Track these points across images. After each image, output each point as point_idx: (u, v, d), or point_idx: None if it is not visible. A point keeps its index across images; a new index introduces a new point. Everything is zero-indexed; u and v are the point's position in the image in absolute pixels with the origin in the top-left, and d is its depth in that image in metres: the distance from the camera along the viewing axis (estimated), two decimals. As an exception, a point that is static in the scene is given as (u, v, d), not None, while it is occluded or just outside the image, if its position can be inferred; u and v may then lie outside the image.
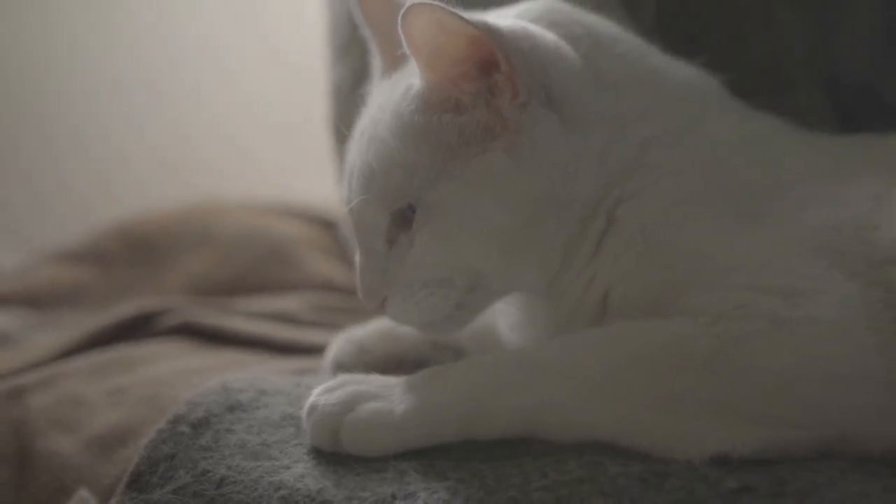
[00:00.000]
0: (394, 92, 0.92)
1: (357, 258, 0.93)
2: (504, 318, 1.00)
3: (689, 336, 0.82)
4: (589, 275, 0.91)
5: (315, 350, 1.20)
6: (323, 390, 0.87)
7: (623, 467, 0.79)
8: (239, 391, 0.96)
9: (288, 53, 2.11)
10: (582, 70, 0.91)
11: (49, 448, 1.04)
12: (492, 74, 0.88)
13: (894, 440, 0.78)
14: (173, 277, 1.58)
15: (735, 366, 0.80)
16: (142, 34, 2.19)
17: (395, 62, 0.96)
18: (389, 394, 0.86)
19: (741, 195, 0.90)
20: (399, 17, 0.84)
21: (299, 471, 0.84)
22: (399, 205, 0.89)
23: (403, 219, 0.90)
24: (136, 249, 1.64)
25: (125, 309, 1.37)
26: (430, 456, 0.84)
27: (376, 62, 1.00)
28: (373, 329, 1.09)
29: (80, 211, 2.07)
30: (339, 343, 1.08)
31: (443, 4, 0.84)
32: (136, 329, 1.33)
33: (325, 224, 1.69)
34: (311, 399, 0.87)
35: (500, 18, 0.91)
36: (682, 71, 0.98)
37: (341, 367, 1.04)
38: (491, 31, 0.86)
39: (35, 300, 1.56)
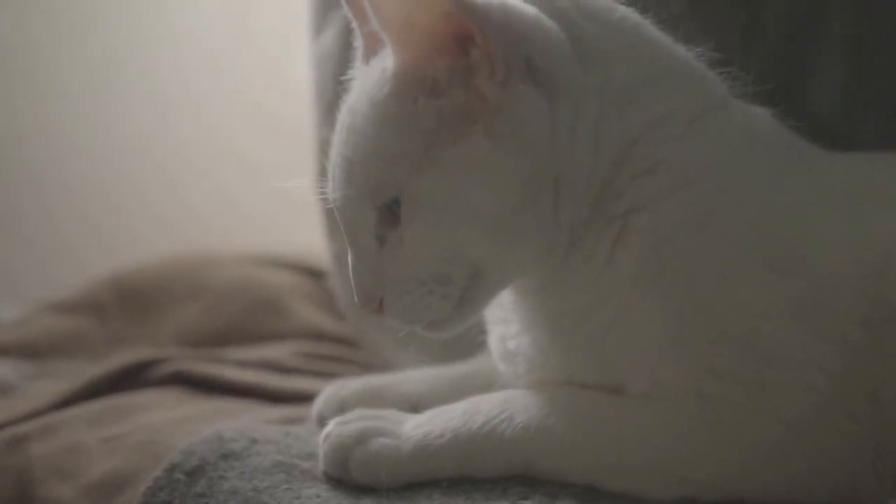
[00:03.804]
0: (370, 77, 0.87)
1: (349, 259, 0.89)
2: (495, 344, 0.99)
3: (661, 423, 0.86)
4: (600, 290, 0.88)
5: (305, 398, 1.22)
6: (338, 422, 0.93)
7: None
8: (232, 440, 0.99)
9: (274, 110, 2.13)
10: (564, 42, 0.86)
11: (50, 495, 1.06)
12: (468, 50, 0.83)
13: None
14: (167, 327, 1.60)
15: (700, 447, 0.86)
16: (131, 94, 2.21)
17: (376, 45, 0.89)
18: (397, 431, 0.91)
19: (749, 225, 0.87)
20: None
21: (289, 515, 0.88)
22: (384, 199, 0.85)
23: (391, 214, 0.85)
24: (130, 300, 1.65)
25: (121, 359, 1.39)
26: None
27: (358, 44, 0.94)
28: (356, 387, 1.10)
29: (75, 263, 2.09)
30: (323, 397, 1.10)
31: None
32: (132, 378, 1.34)
33: (314, 274, 1.71)
34: (327, 429, 0.93)
35: None
36: (684, 52, 0.93)
37: (324, 420, 1.00)
38: (463, 4, 0.81)
39: (33, 350, 1.57)
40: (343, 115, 0.89)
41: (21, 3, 2.20)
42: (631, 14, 0.92)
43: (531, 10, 0.86)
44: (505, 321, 0.96)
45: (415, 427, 0.92)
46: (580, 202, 0.87)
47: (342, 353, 1.49)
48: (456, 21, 0.81)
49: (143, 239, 2.16)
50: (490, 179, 0.83)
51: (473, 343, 1.03)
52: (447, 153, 0.83)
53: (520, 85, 0.83)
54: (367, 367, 1.37)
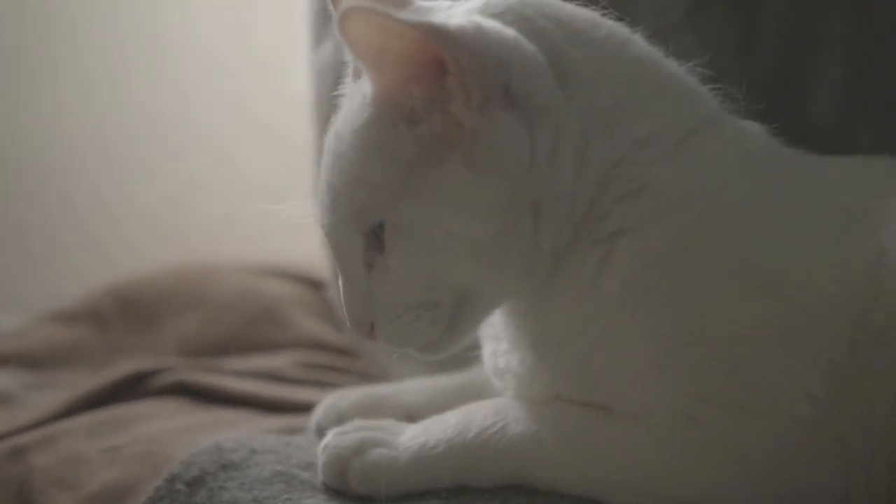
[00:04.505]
0: (354, 100, 0.87)
1: (339, 283, 0.90)
2: (488, 359, 0.99)
3: (648, 443, 0.86)
4: (585, 312, 0.87)
5: (304, 408, 1.23)
6: (338, 432, 0.94)
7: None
8: (231, 450, 1.00)
9: (272, 122, 2.13)
10: (544, 64, 0.84)
11: (50, 506, 1.06)
12: (443, 77, 0.82)
13: None
14: (167, 337, 1.60)
15: (687, 468, 0.86)
16: (129, 106, 2.21)
17: None
18: (394, 442, 0.92)
19: (736, 249, 0.87)
20: (335, 24, 0.80)
21: (288, 525, 0.89)
22: (368, 226, 0.85)
23: (377, 240, 0.85)
24: (130, 310, 1.66)
25: (120, 369, 1.39)
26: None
27: (350, 60, 0.93)
28: (355, 398, 1.10)
29: (74, 274, 2.08)
30: (322, 408, 1.11)
31: (379, 6, 0.79)
32: (131, 388, 1.35)
33: (313, 284, 1.71)
34: (326, 439, 0.94)
35: (454, 14, 0.87)
36: (675, 69, 0.92)
37: (323, 431, 1.00)
38: (434, 32, 0.80)
39: (33, 360, 1.57)
40: (329, 140, 0.88)
41: (21, 15, 2.20)
42: (618, 30, 0.90)
43: (509, 32, 0.84)
44: (496, 338, 0.97)
45: (411, 438, 0.92)
46: (563, 224, 0.86)
47: (341, 364, 1.50)
48: (429, 48, 0.80)
49: (142, 249, 2.17)
50: (469, 206, 0.83)
51: (470, 355, 1.03)
52: (427, 180, 0.83)
53: (497, 110, 0.82)
54: (366, 378, 1.37)
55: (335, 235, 0.88)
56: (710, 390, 0.84)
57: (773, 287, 0.85)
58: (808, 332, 0.85)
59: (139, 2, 2.23)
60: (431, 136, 0.83)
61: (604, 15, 0.91)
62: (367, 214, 0.85)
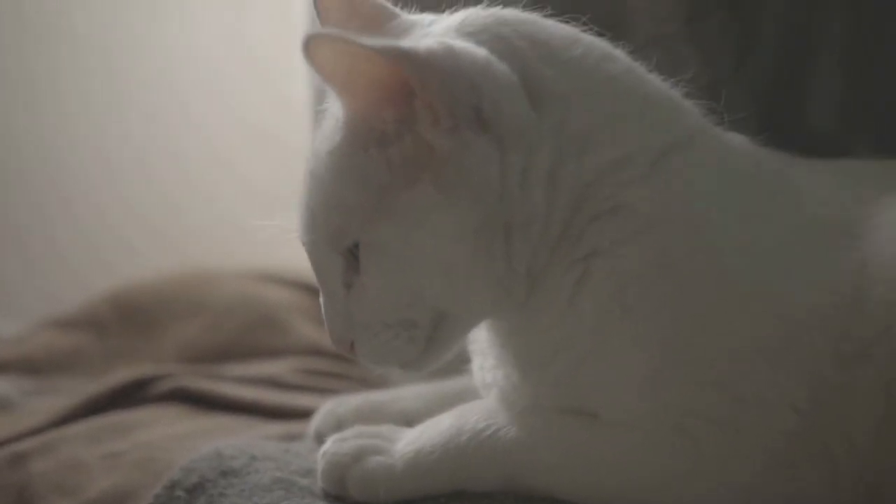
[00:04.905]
0: (330, 120, 0.86)
1: (321, 301, 0.90)
2: (476, 373, 0.99)
3: (638, 452, 0.86)
4: (564, 333, 0.86)
5: (303, 414, 1.23)
6: (337, 439, 0.95)
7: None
8: (231, 457, 1.00)
9: (271, 128, 2.14)
10: (516, 85, 0.84)
11: (50, 512, 1.06)
12: (412, 100, 0.81)
13: None
14: (166, 343, 1.60)
15: (678, 477, 0.86)
16: (128, 112, 2.23)
17: None
18: (392, 448, 0.92)
19: (717, 267, 0.86)
20: (301, 50, 0.78)
21: (288, 532, 0.89)
22: (344, 246, 0.85)
23: (354, 259, 0.85)
24: (129, 317, 1.66)
25: (120, 375, 1.39)
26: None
27: None
28: (354, 404, 1.11)
29: (73, 280, 2.09)
30: (321, 415, 1.11)
31: (342, 32, 0.79)
32: (131, 395, 1.35)
33: (312, 290, 1.66)
34: (325, 447, 0.94)
35: (431, 32, 0.87)
36: (656, 85, 0.91)
37: (322, 437, 1.01)
38: (401, 56, 0.79)
39: (32, 366, 1.58)
40: (308, 160, 0.88)
41: (20, 19, 2.21)
42: (595, 48, 0.89)
43: (481, 53, 0.83)
44: (483, 353, 0.96)
45: (407, 444, 0.92)
46: (538, 246, 0.85)
47: (341, 370, 1.50)
48: (397, 71, 0.80)
49: (141, 256, 2.17)
50: (440, 227, 0.83)
51: (466, 363, 1.03)
52: (399, 202, 0.83)
53: (467, 132, 0.82)
54: (365, 384, 1.37)
55: (315, 254, 0.88)
56: (698, 406, 0.84)
57: (754, 303, 0.85)
58: (793, 346, 0.85)
59: (138, 7, 2.24)
60: (403, 158, 0.83)
61: (585, 31, 0.91)
62: (343, 235, 0.85)
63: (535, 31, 0.88)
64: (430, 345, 0.88)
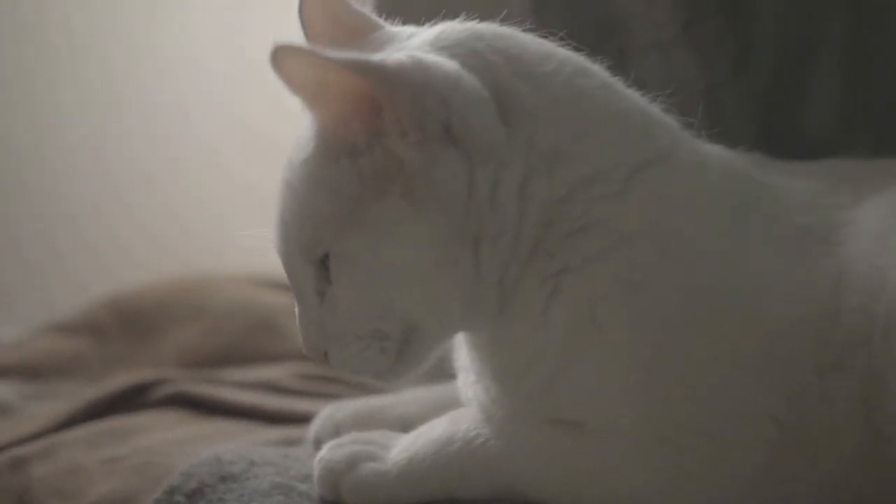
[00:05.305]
0: (306, 131, 0.86)
1: (296, 311, 0.90)
2: (460, 387, 0.98)
3: (620, 462, 0.86)
4: (537, 347, 0.86)
5: (303, 419, 1.22)
6: (332, 445, 0.95)
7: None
8: (230, 462, 1.00)
9: (270, 133, 2.09)
10: (487, 101, 0.83)
11: (50, 517, 1.06)
12: (381, 113, 0.81)
13: None
14: (166, 348, 1.61)
15: (662, 487, 0.85)
16: (127, 117, 2.23)
17: None
18: (386, 455, 0.93)
19: (692, 282, 0.85)
20: (269, 62, 0.78)
21: (287, 537, 0.89)
22: (316, 256, 0.85)
23: (327, 269, 0.85)
24: (129, 322, 1.66)
25: (120, 380, 1.40)
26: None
27: None
28: (351, 410, 1.11)
29: (73, 285, 2.09)
30: (320, 420, 1.11)
31: (308, 46, 0.79)
32: (131, 399, 1.35)
33: None
34: (321, 453, 0.94)
35: (408, 45, 0.87)
36: (632, 101, 0.90)
37: (320, 443, 1.01)
38: (368, 69, 0.79)
39: (32, 371, 1.58)
40: (284, 169, 0.88)
41: (18, 26, 2.21)
42: (569, 63, 0.88)
43: (452, 68, 0.83)
44: (465, 369, 0.96)
45: (400, 451, 0.93)
46: (508, 260, 0.85)
47: (338, 374, 1.50)
48: (366, 84, 0.80)
49: (141, 260, 2.17)
50: (408, 239, 0.83)
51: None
52: (369, 213, 0.83)
53: (435, 146, 0.82)
54: (364, 388, 1.37)
55: (289, 264, 0.88)
56: (679, 416, 0.84)
57: (729, 315, 0.85)
58: (771, 357, 0.84)
59: (137, 13, 2.24)
60: (373, 170, 0.83)
61: (562, 45, 0.90)
62: (315, 245, 0.85)
63: (509, 45, 0.88)
64: (401, 356, 0.88)
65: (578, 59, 0.90)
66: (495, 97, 0.84)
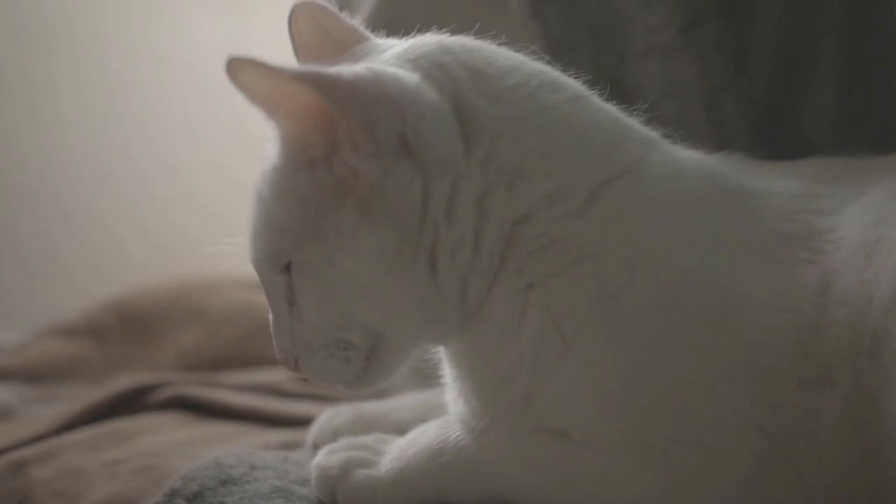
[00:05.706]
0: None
1: (270, 318, 0.90)
2: (448, 404, 0.96)
3: (607, 472, 0.85)
4: (511, 362, 0.85)
5: (302, 422, 1.23)
6: (328, 451, 0.95)
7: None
8: (231, 466, 1.01)
9: (266, 136, 2.15)
10: (446, 115, 0.83)
11: (51, 520, 1.06)
12: (336, 124, 0.82)
13: None
14: (166, 351, 1.61)
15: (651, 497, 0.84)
16: (127, 121, 2.24)
17: None
18: (380, 461, 0.93)
19: (663, 294, 0.84)
20: (225, 72, 0.79)
21: (287, 540, 0.89)
22: (282, 264, 0.86)
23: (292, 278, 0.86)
24: (130, 324, 1.67)
25: (121, 383, 1.40)
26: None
27: None
28: (350, 415, 1.11)
29: (73, 288, 2.10)
30: (318, 425, 1.12)
31: (260, 58, 0.78)
32: (132, 402, 1.35)
33: None
34: (316, 458, 0.95)
35: (381, 58, 0.87)
36: (601, 114, 0.89)
37: (319, 448, 1.01)
38: (319, 80, 0.80)
39: (33, 374, 1.58)
40: (256, 179, 0.89)
41: (18, 30, 2.21)
42: (536, 76, 0.88)
43: (411, 81, 0.83)
44: (449, 385, 0.95)
45: (393, 459, 0.93)
46: (468, 274, 0.85)
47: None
48: (319, 96, 0.80)
49: (141, 264, 2.18)
50: (360, 250, 0.83)
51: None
52: (326, 224, 0.83)
53: (388, 158, 0.82)
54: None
55: (260, 272, 0.89)
56: (662, 428, 0.83)
57: (705, 326, 0.84)
58: (753, 368, 0.82)
59: (137, 16, 2.24)
60: (331, 181, 0.83)
61: (535, 59, 0.90)
62: (280, 254, 0.86)
63: (475, 59, 0.87)
64: (369, 365, 0.88)
65: (547, 73, 0.89)
66: (456, 111, 0.84)
